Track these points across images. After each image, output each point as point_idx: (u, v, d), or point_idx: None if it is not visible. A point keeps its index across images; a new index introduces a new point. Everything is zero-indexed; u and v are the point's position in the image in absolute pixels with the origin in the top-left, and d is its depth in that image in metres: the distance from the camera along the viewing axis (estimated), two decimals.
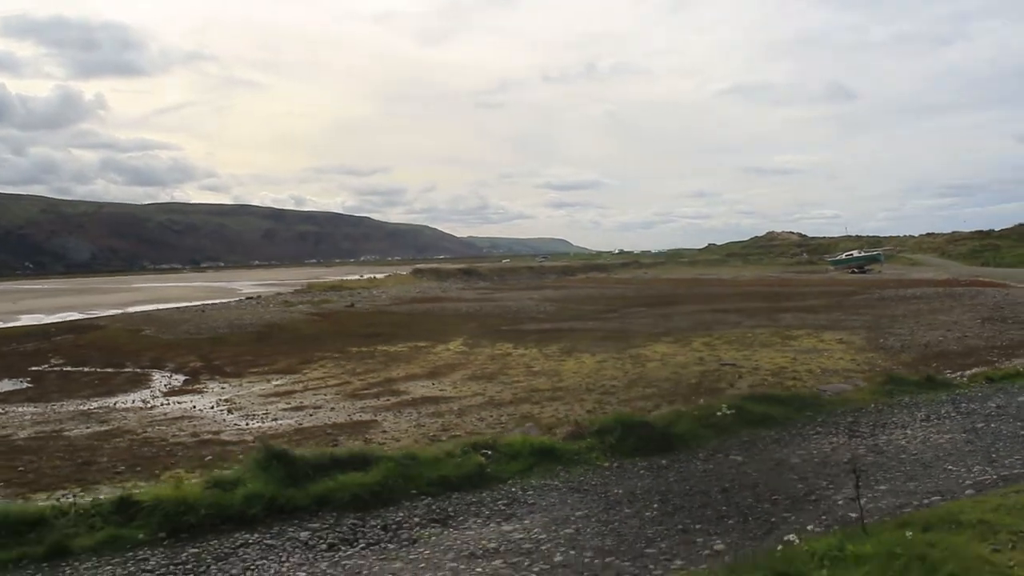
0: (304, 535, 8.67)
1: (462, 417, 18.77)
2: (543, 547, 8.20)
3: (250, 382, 25.90)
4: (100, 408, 22.19)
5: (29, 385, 27.03)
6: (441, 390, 22.92)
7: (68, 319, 58.36)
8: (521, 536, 8.56)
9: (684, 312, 45.09)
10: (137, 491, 9.32)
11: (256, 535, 8.66)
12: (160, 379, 27.51)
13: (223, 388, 24.99)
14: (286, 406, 21.28)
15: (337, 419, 19.29)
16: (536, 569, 7.65)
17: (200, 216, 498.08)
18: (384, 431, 17.68)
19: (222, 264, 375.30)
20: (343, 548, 8.35)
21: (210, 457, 15.45)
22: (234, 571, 7.77)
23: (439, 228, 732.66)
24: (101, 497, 9.27)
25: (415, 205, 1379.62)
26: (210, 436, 17.89)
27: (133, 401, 23.22)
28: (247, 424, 19.20)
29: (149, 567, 7.84)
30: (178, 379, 27.24)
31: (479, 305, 54.44)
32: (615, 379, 23.54)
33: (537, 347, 31.09)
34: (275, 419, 19.60)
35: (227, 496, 8.97)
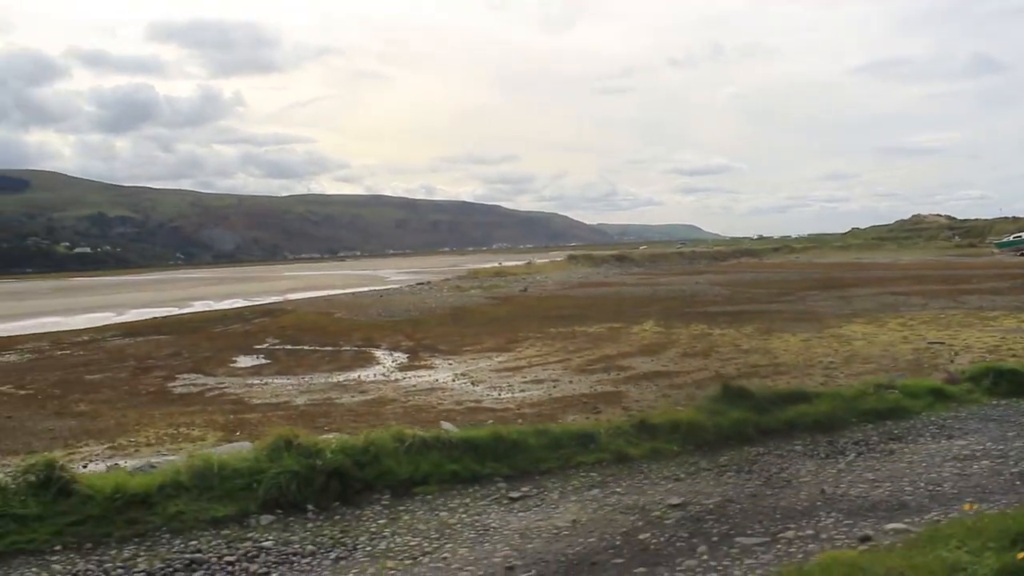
0: (798, 447, 10.99)
1: (703, 389, 19.64)
2: (1009, 454, 10.10)
3: (472, 359, 27.42)
4: (348, 381, 24.01)
5: (266, 361, 29.24)
6: (663, 366, 23.90)
7: (254, 304, 61.73)
8: (979, 448, 10.46)
9: (862, 295, 44.87)
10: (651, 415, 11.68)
11: (766, 448, 11.04)
12: (382, 356, 29.33)
13: (450, 364, 26.55)
14: (523, 380, 22.60)
15: (581, 390, 20.47)
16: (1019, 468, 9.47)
17: (336, 207, 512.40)
18: (636, 400, 18.74)
19: (358, 253, 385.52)
20: (839, 457, 10.47)
21: (491, 421, 16.78)
22: (771, 468, 10.05)
23: (569, 215, 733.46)
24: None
25: (544, 192, 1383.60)
26: (473, 404, 19.30)
27: (373, 375, 24.99)
28: (499, 395, 20.55)
29: (707, 466, 10.19)
30: (400, 356, 28.97)
31: (651, 289, 55.24)
32: (828, 356, 24.09)
33: (733, 327, 31.73)
34: (522, 391, 20.88)
35: (719, 419, 11.17)
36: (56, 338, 41.23)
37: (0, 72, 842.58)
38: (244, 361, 29.43)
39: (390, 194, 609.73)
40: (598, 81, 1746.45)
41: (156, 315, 58.11)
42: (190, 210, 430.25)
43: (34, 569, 6.31)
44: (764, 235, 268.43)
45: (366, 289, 73.88)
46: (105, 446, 16.36)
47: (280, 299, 69.96)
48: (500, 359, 27.16)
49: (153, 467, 9.12)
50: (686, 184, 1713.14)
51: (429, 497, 8.82)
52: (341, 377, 24.77)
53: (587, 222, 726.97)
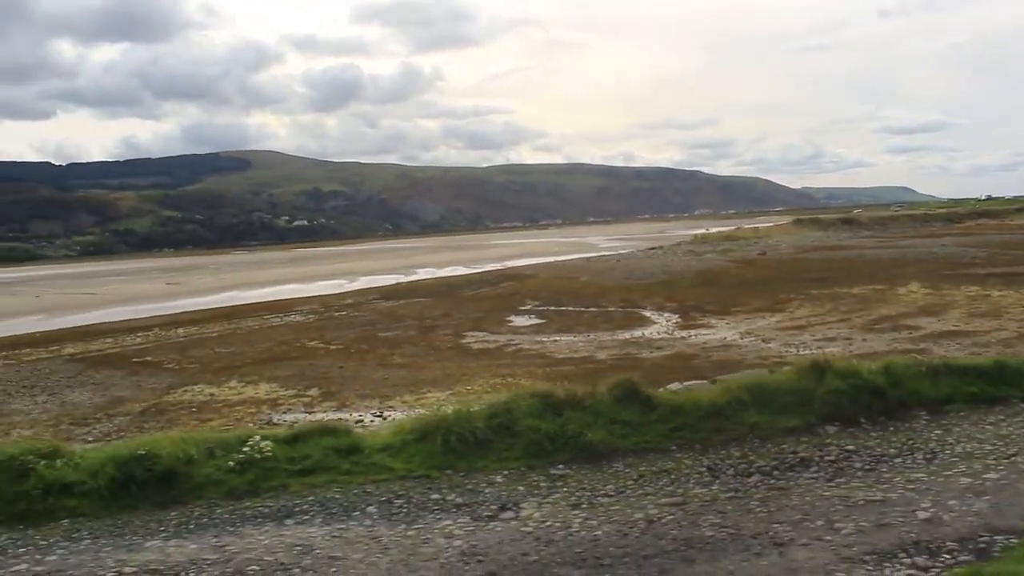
0: None
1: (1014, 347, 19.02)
2: None
3: (746, 319, 27.58)
4: (636, 338, 24.75)
5: (540, 321, 30.39)
6: (954, 326, 23.32)
7: (483, 270, 63.88)
8: None
9: None
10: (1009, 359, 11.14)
11: None
12: (652, 316, 29.91)
13: (727, 324, 26.83)
14: (813, 338, 22.65)
15: (880, 347, 20.25)
16: None
17: (536, 176, 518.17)
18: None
19: (559, 221, 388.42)
20: None
21: None
22: None
23: (772, 179, 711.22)
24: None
25: (745, 157, 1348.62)
26: (777, 359, 19.48)
27: (656, 333, 25.64)
28: (798, 351, 20.61)
29: None
30: (671, 316, 29.46)
31: (897, 252, 53.35)
32: None
33: (1011, 289, 30.38)
34: (819, 347, 20.86)
35: None
36: (324, 301, 44.23)
37: (224, 61, 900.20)
38: (519, 321, 30.70)
39: (589, 162, 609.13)
40: (801, 39, 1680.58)
41: (388, 282, 61.34)
42: (396, 183, 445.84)
43: (668, 462, 7.14)
44: (992, 195, 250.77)
45: (591, 255, 74.88)
46: (447, 392, 17.65)
47: (500, 266, 71.80)
48: (775, 319, 27.18)
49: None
50: (897, 143, 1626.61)
51: (963, 414, 9.34)
52: (626, 335, 25.51)
53: (791, 186, 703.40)
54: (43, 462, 5.80)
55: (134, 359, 26.21)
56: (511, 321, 30.72)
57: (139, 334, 34.06)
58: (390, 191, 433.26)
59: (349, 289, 56.41)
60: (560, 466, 6.71)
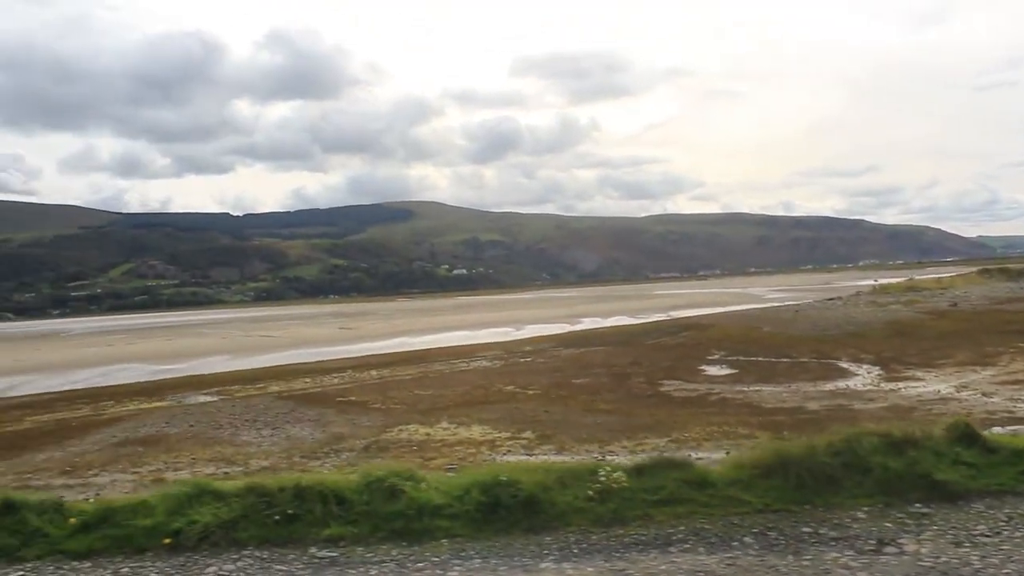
0: None
1: None
2: None
3: (955, 372, 26.44)
4: (840, 389, 24.12)
5: (734, 371, 29.99)
6: None
7: (657, 320, 63.61)
8: None
9: None
10: None
11: None
12: (851, 367, 29.03)
13: (936, 376, 25.79)
14: None
15: None
16: None
17: (693, 226, 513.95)
18: None
19: (717, 271, 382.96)
20: None
21: None
22: None
23: (942, 228, 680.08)
24: None
25: (912, 204, 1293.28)
26: (1006, 414, 18.62)
27: (860, 385, 24.89)
28: None
29: None
30: (870, 368, 28.52)
31: None
32: None
33: None
34: None
35: None
36: (505, 348, 44.98)
37: (388, 116, 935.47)
38: (712, 370, 30.38)
39: (747, 211, 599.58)
40: (971, 78, 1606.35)
41: (555, 330, 61.84)
42: (554, 232, 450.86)
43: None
44: None
45: (763, 306, 73.48)
46: (665, 439, 17.61)
47: (666, 316, 71.38)
48: (988, 373, 25.95)
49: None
50: None
51: None
52: (829, 386, 24.87)
53: (964, 235, 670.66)
54: (408, 484, 6.14)
55: (338, 398, 27.29)
56: (704, 370, 30.42)
57: (334, 375, 35.48)
58: (548, 240, 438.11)
59: (519, 337, 57.27)
60: (917, 504, 6.63)
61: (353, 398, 27.16)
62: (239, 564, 5.56)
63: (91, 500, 7.64)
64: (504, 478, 6.13)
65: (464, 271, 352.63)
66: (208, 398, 30.13)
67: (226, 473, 16.49)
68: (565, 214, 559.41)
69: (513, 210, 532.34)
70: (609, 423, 19.99)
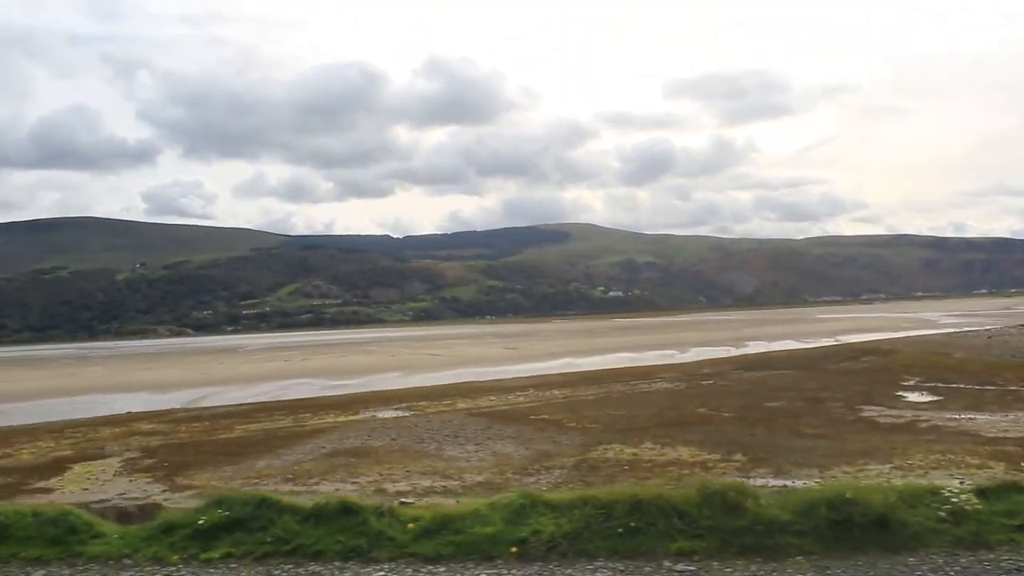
0: None
1: None
2: None
3: None
4: None
5: (935, 397, 28.69)
6: None
7: (841, 342, 61.62)
8: None
9: None
10: None
11: None
12: None
13: None
14: None
15: None
16: None
17: (855, 248, 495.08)
18: None
19: (882, 296, 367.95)
20: None
21: None
22: None
23: None
24: None
25: None
26: None
27: None
28: None
29: None
30: None
31: None
32: None
33: None
34: None
35: None
36: (682, 370, 44.45)
37: (542, 139, 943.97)
38: (912, 396, 29.19)
39: (913, 232, 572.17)
40: None
41: (723, 353, 60.78)
42: (710, 255, 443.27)
43: None
44: None
45: (947, 331, 70.19)
46: (888, 465, 16.97)
47: (835, 340, 69.33)
48: None
49: None
50: None
51: None
52: None
53: None
54: (749, 499, 6.07)
55: (531, 416, 27.51)
56: (903, 396, 29.22)
57: (517, 393, 35.82)
58: (704, 263, 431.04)
59: (688, 360, 56.42)
60: None
61: (545, 416, 27.32)
62: (601, 575, 5.60)
63: (417, 506, 7.84)
64: (850, 495, 5.98)
65: (619, 293, 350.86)
66: (400, 413, 30.93)
67: (444, 487, 16.86)
68: (721, 236, 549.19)
69: (668, 232, 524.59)
70: (821, 447, 19.39)
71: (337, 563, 5.99)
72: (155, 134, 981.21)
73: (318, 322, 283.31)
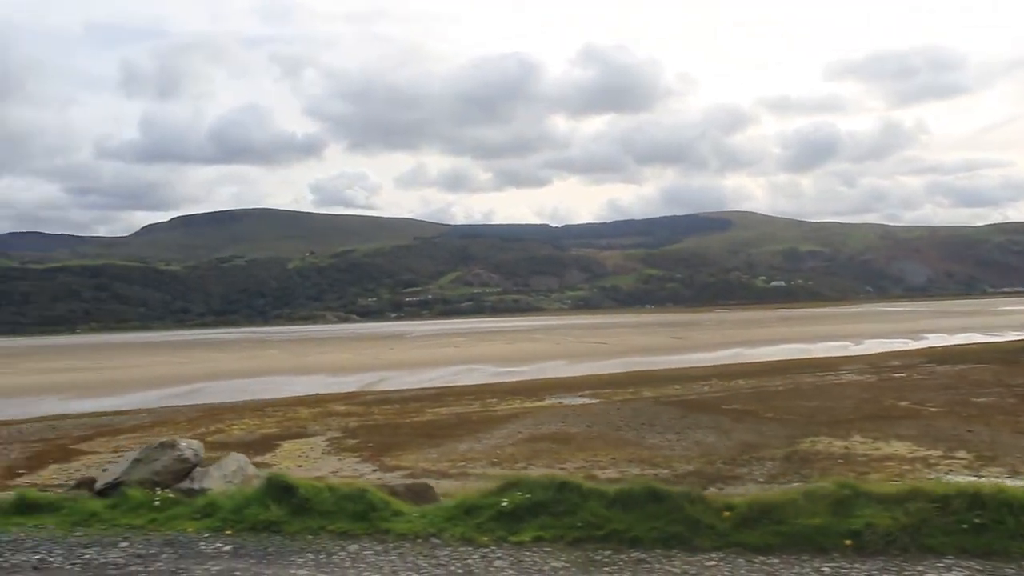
0: None
1: None
2: None
3: None
4: None
5: None
6: None
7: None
8: None
9: None
10: None
11: None
12: None
13: None
14: None
15: None
16: None
17: None
18: None
19: None
20: None
21: None
22: None
23: None
24: None
25: None
26: None
27: None
28: None
29: None
30: None
31: None
32: None
33: None
34: None
35: None
36: (869, 361, 42.74)
37: (700, 126, 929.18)
38: None
39: None
40: None
41: (900, 346, 58.15)
42: (879, 243, 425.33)
43: None
44: None
45: None
46: None
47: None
48: None
49: None
50: None
51: None
52: None
53: None
54: None
55: (723, 406, 26.92)
56: None
57: (701, 383, 35.24)
58: (872, 251, 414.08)
59: (870, 352, 54.24)
60: None
61: (737, 407, 26.68)
62: (956, 574, 5.22)
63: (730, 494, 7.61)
64: None
65: (782, 283, 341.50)
66: (585, 400, 30.89)
67: (654, 475, 16.57)
68: (890, 223, 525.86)
69: (833, 220, 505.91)
70: None
71: (659, 550, 5.79)
72: (322, 128, 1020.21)
73: (479, 310, 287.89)
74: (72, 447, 24.82)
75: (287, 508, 6.77)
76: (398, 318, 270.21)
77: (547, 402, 30.66)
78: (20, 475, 20.22)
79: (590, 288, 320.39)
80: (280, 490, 6.97)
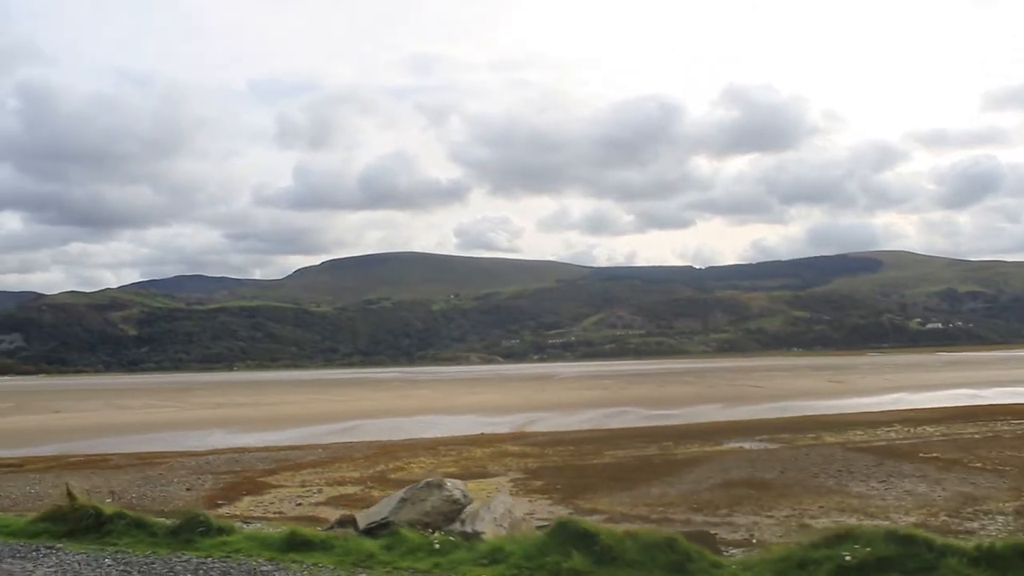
0: None
1: None
2: None
3: None
4: None
5: None
6: None
7: None
8: None
9: None
10: None
11: None
12: None
13: None
14: None
15: None
16: None
17: None
18: None
19: None
20: None
21: None
22: None
23: None
24: None
25: None
26: None
27: None
28: None
29: None
30: None
31: None
32: None
33: None
34: None
35: None
36: None
37: (847, 163, 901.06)
38: None
39: None
40: None
41: None
42: None
43: None
44: None
45: None
46: None
47: None
48: None
49: None
50: None
51: None
52: None
53: None
54: None
55: (920, 454, 25.37)
56: None
57: (885, 428, 33.55)
58: None
59: None
60: None
61: (937, 455, 25.07)
62: None
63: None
64: None
65: (939, 325, 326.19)
66: (765, 445, 29.78)
67: (875, 526, 15.56)
68: None
69: (995, 258, 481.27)
70: None
71: None
72: (465, 174, 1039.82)
73: (621, 352, 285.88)
74: (260, 480, 25.36)
75: (590, 556, 6.37)
76: (540, 360, 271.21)
77: (726, 446, 29.67)
78: (220, 505, 20.74)
79: (735, 330, 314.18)
80: (576, 536, 6.59)
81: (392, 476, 24.60)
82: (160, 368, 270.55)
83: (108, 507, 10.66)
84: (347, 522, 9.08)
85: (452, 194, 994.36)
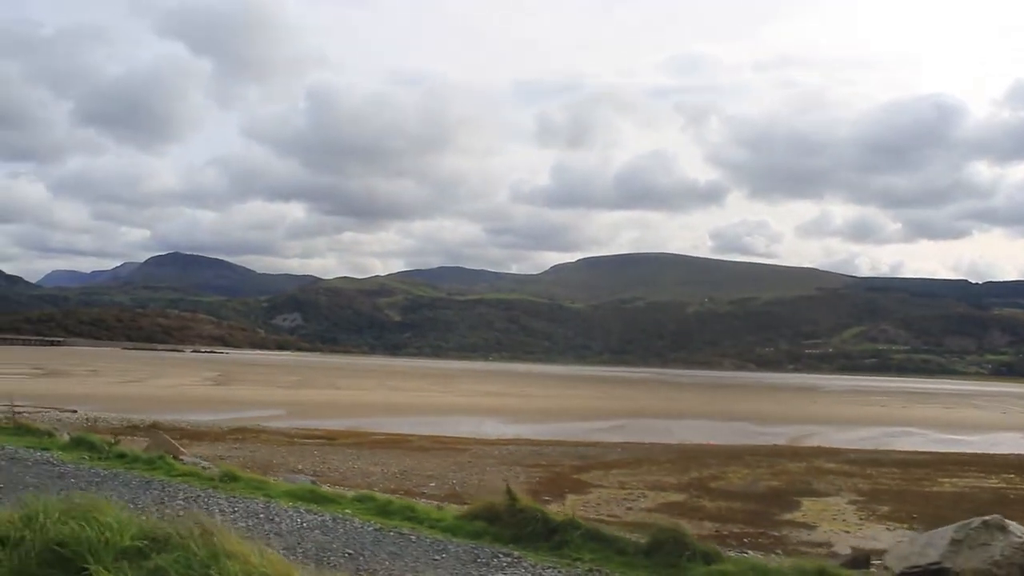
0: None
1: None
2: None
3: None
4: None
5: None
6: None
7: None
8: None
9: None
10: None
11: None
12: None
13: None
14: None
15: None
16: None
17: None
18: None
19: None
20: None
21: None
22: None
23: None
24: None
25: None
26: None
27: None
28: None
29: None
30: None
31: None
32: None
33: None
34: None
35: None
36: None
37: None
38: None
39: None
40: None
41: None
42: None
43: None
44: None
45: None
46: None
47: None
48: None
49: None
50: None
51: None
52: None
53: None
54: None
55: None
56: None
57: None
58: None
59: None
60: None
61: None
62: None
63: None
64: None
65: None
66: None
67: None
68: None
69: None
70: None
71: None
72: (723, 175, 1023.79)
73: (883, 368, 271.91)
74: (574, 477, 25.17)
75: None
76: (795, 370, 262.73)
77: None
78: (547, 502, 19.23)
79: (1016, 353, 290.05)
80: None
81: (712, 485, 24.17)
82: (420, 353, 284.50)
83: (554, 513, 9.75)
84: (860, 560, 8.64)
85: (709, 196, 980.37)
